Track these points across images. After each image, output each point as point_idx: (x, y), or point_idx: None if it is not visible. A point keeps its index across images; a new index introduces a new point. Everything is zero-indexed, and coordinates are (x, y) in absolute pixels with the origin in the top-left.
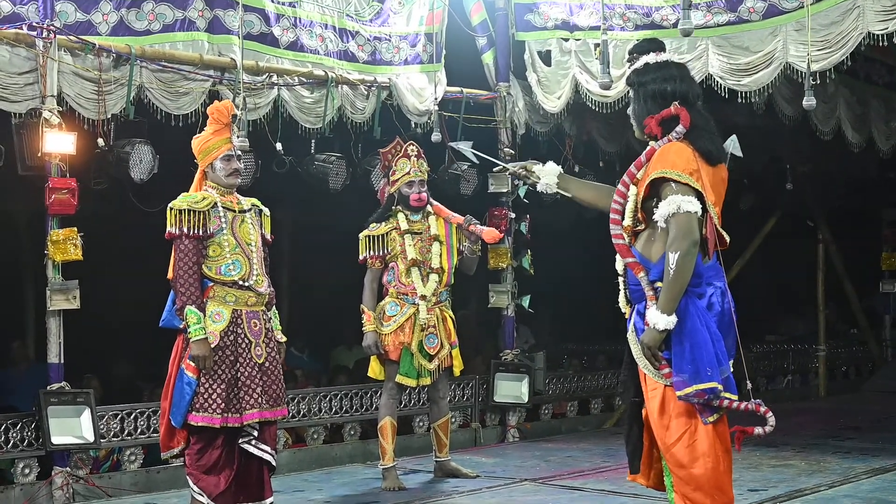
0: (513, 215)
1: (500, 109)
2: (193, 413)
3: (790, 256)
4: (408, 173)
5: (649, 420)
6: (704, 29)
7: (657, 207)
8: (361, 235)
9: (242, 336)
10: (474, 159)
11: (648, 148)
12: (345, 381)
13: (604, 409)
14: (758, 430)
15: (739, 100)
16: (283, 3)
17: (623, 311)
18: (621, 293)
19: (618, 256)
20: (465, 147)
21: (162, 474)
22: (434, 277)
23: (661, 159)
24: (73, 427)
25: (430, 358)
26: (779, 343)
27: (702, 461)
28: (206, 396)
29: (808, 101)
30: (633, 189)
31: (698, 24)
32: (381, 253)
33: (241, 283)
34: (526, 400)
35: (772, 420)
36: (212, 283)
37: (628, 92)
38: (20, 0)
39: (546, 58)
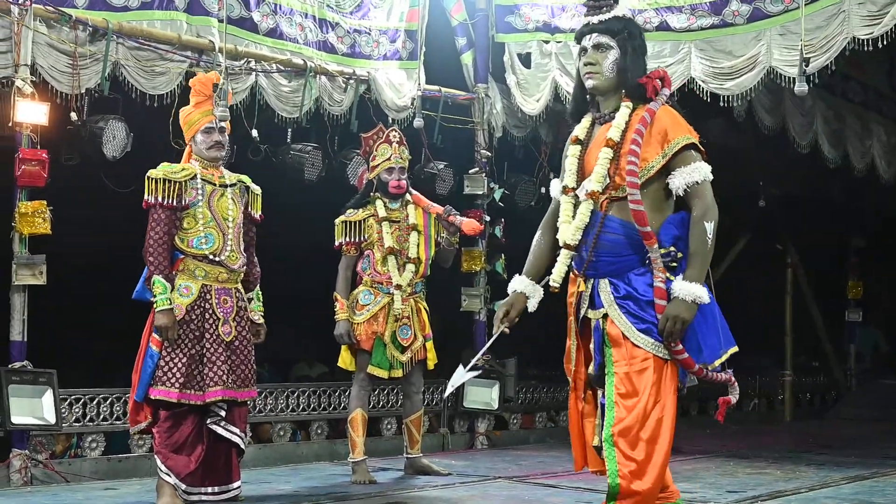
0: (487, 218)
1: (478, 111)
2: (153, 386)
3: (757, 280)
4: (388, 159)
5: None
6: (688, 32)
7: (672, 175)
8: (337, 221)
9: (210, 312)
10: (472, 374)
11: (643, 110)
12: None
13: None
14: (732, 399)
15: (721, 104)
16: None
17: (555, 286)
18: (561, 266)
19: (573, 224)
20: (459, 378)
21: (123, 463)
22: (410, 267)
23: (679, 124)
24: (34, 407)
25: (403, 350)
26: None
27: (667, 437)
28: (165, 370)
29: (800, 87)
30: (606, 151)
31: (682, 27)
32: (356, 239)
33: (211, 257)
34: (496, 406)
35: (736, 391)
36: (182, 256)
37: None
38: None
39: (526, 60)
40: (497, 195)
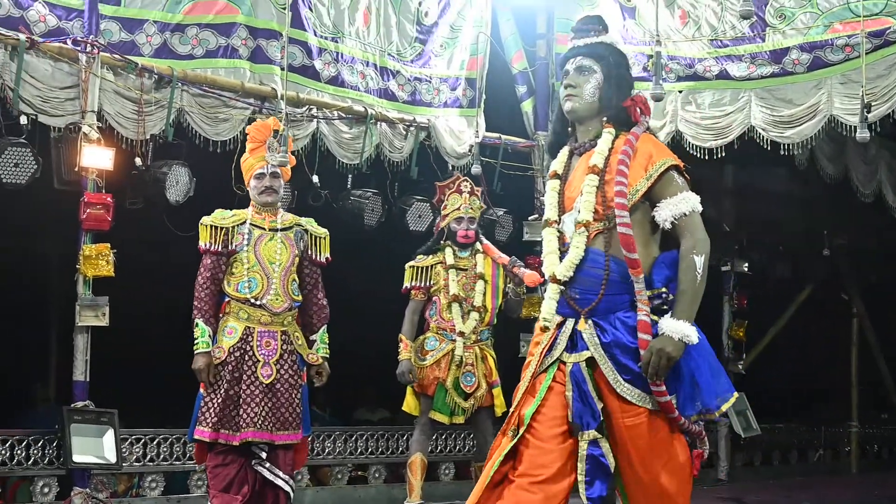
0: None
1: (538, 158)
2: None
3: (822, 330)
4: (458, 209)
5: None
6: (748, 81)
7: (658, 207)
8: (407, 265)
9: (250, 354)
10: None
11: (622, 138)
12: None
13: None
14: (704, 453)
15: (782, 152)
16: (326, 38)
17: (547, 325)
18: (550, 303)
19: (568, 259)
20: None
21: (182, 503)
22: (475, 315)
23: (662, 148)
24: (95, 447)
25: (466, 396)
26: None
27: (687, 485)
28: (204, 410)
29: (862, 134)
30: (591, 178)
31: (742, 76)
32: (424, 284)
33: (253, 300)
34: None
35: (706, 445)
36: (228, 299)
37: (667, 143)
38: (66, 15)
39: None
40: None
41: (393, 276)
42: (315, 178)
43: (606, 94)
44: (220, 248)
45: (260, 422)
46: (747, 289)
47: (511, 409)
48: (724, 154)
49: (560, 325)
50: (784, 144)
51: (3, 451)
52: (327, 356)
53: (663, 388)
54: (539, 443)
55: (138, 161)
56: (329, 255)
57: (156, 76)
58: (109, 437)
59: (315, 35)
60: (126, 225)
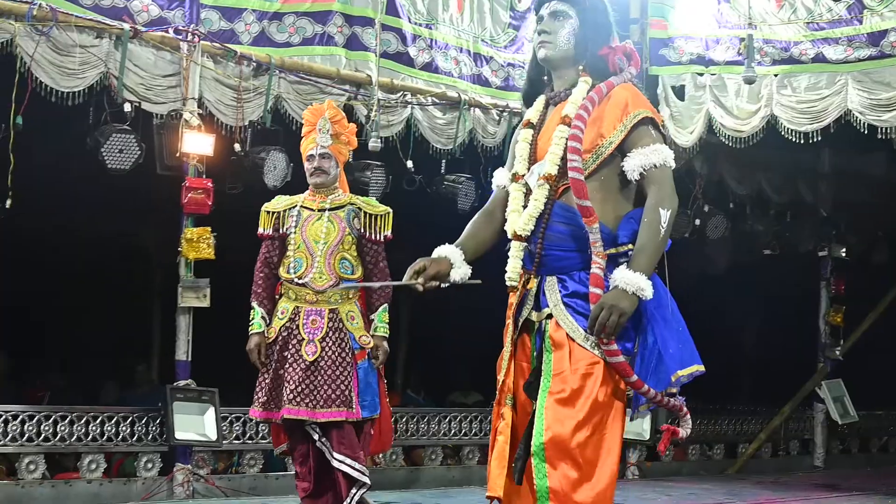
0: None
1: None
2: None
3: None
4: None
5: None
6: (845, 63)
7: (628, 157)
8: None
9: (295, 332)
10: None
11: (593, 86)
12: None
13: (727, 454)
14: (682, 432)
15: (880, 136)
16: (420, 25)
17: (513, 284)
18: (515, 261)
19: (527, 212)
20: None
21: (280, 480)
22: None
23: (640, 98)
24: (196, 424)
25: None
26: None
27: (612, 459)
28: (257, 390)
29: None
30: (561, 129)
31: (839, 59)
32: None
33: (297, 280)
34: (647, 437)
35: (688, 423)
36: (282, 280)
37: (763, 127)
38: (167, 5)
39: (679, 92)
40: None
41: (484, 262)
42: (409, 164)
43: (582, 40)
44: (272, 233)
45: (298, 399)
46: (845, 274)
47: (501, 377)
48: (820, 138)
49: (526, 284)
50: (882, 128)
51: (109, 428)
52: (386, 335)
53: (615, 346)
54: None
55: (237, 147)
56: (389, 234)
57: (254, 64)
58: (210, 415)
59: (409, 22)
60: (225, 209)
